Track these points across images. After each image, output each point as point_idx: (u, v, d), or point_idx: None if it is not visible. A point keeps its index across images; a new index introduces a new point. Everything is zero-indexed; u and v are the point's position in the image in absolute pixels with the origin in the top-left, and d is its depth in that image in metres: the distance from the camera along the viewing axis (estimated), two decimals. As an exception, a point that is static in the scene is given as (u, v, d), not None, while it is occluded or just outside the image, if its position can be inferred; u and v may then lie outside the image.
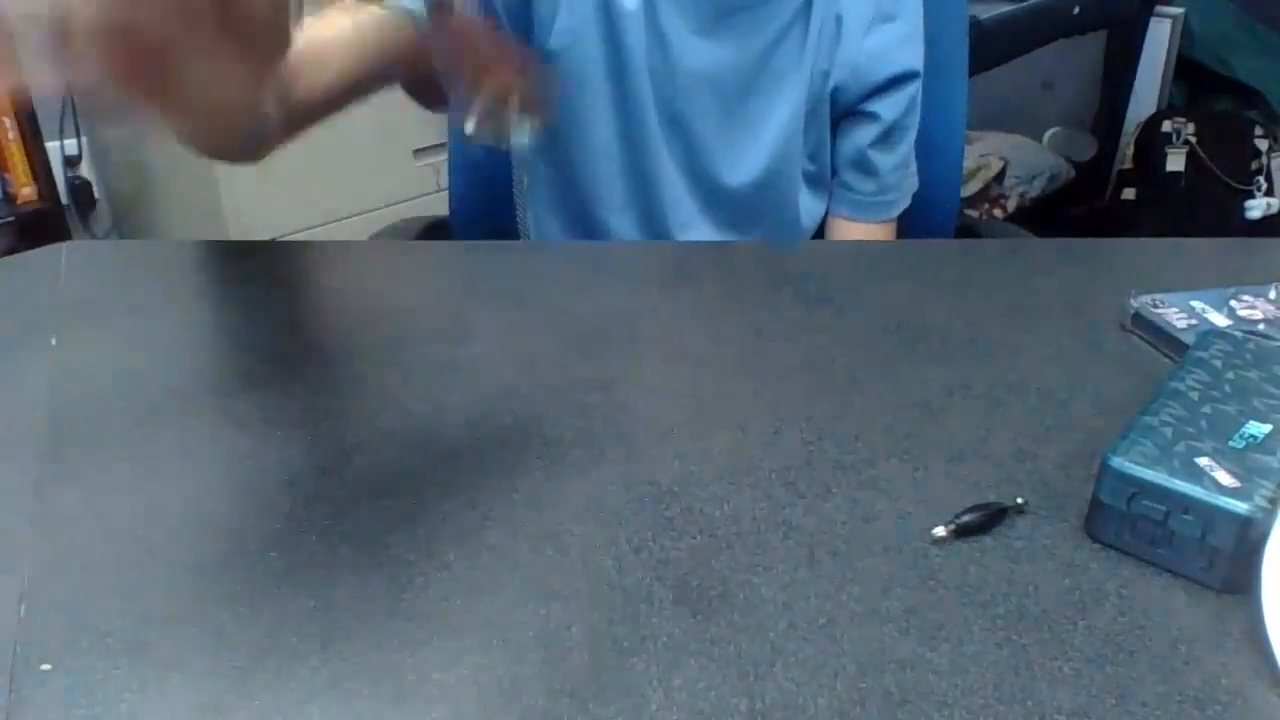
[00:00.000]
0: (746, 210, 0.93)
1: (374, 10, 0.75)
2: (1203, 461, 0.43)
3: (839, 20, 0.88)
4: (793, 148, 0.92)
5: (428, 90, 0.48)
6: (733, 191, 0.93)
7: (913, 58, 0.91)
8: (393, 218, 1.15)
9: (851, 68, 0.90)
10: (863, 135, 0.93)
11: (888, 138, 0.92)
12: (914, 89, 0.92)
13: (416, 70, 0.45)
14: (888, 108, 0.91)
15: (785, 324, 0.63)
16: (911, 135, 0.94)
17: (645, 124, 0.89)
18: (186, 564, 0.42)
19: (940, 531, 0.44)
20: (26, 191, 2.18)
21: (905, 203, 0.96)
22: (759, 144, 0.91)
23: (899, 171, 0.94)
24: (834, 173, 0.97)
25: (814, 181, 0.97)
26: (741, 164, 0.92)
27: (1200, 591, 0.42)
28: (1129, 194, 2.59)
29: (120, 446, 0.50)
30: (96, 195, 2.45)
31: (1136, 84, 2.57)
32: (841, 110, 0.93)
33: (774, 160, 0.92)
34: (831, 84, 0.91)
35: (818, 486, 0.48)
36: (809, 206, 0.96)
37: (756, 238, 0.94)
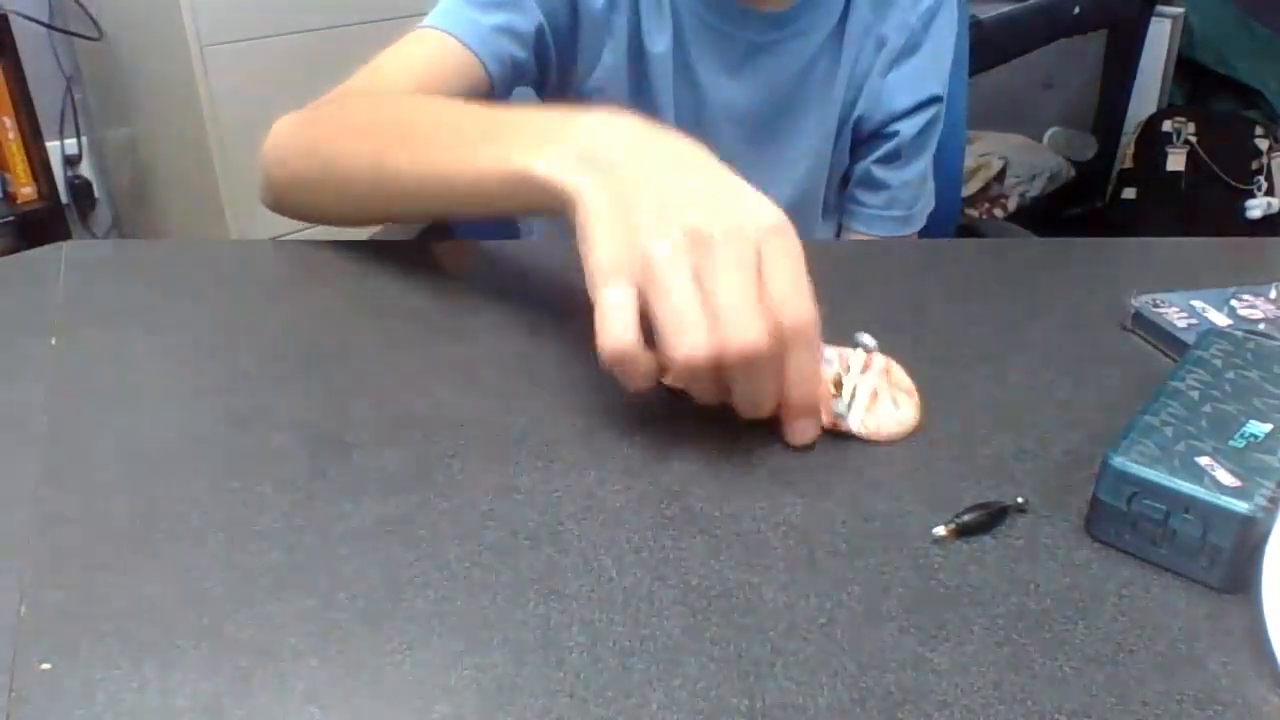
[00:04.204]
0: None
1: (447, 53, 0.76)
2: (1203, 461, 0.43)
3: (881, 43, 0.88)
4: (817, 178, 0.92)
5: None
6: None
7: (935, 84, 0.91)
8: (393, 218, 1.15)
9: (875, 98, 0.89)
10: (872, 152, 0.93)
11: (898, 155, 0.92)
12: (933, 111, 0.91)
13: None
14: (903, 126, 0.91)
15: (785, 324, 0.63)
16: (927, 155, 0.94)
17: None
18: (186, 564, 0.42)
19: (940, 531, 0.44)
20: (26, 191, 2.18)
21: (919, 222, 0.96)
22: (786, 177, 0.91)
23: (909, 187, 0.93)
24: (844, 188, 0.97)
25: (828, 209, 0.97)
26: (768, 196, 0.92)
27: (1200, 591, 0.42)
28: (1129, 194, 2.59)
29: (120, 446, 0.50)
30: (96, 195, 2.46)
31: (1136, 84, 2.57)
32: (861, 137, 0.93)
33: (799, 191, 0.92)
34: (856, 113, 0.90)
35: (818, 486, 0.48)
36: (820, 232, 0.96)
37: None
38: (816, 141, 0.90)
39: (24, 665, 0.37)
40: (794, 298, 0.46)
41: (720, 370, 0.46)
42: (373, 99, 0.70)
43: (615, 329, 0.45)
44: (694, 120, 0.88)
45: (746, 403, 0.48)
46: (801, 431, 0.49)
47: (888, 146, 0.91)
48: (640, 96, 0.86)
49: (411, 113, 0.65)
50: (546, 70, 0.85)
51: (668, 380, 0.49)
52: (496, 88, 0.80)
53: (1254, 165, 2.40)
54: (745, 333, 0.45)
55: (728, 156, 0.91)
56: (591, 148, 0.50)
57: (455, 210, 0.61)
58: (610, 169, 0.49)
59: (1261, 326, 0.61)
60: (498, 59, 0.79)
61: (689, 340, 0.44)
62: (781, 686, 0.37)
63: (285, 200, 0.73)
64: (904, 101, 0.90)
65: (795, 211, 0.92)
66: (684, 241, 0.46)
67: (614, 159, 0.49)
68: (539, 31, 0.81)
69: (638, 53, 0.85)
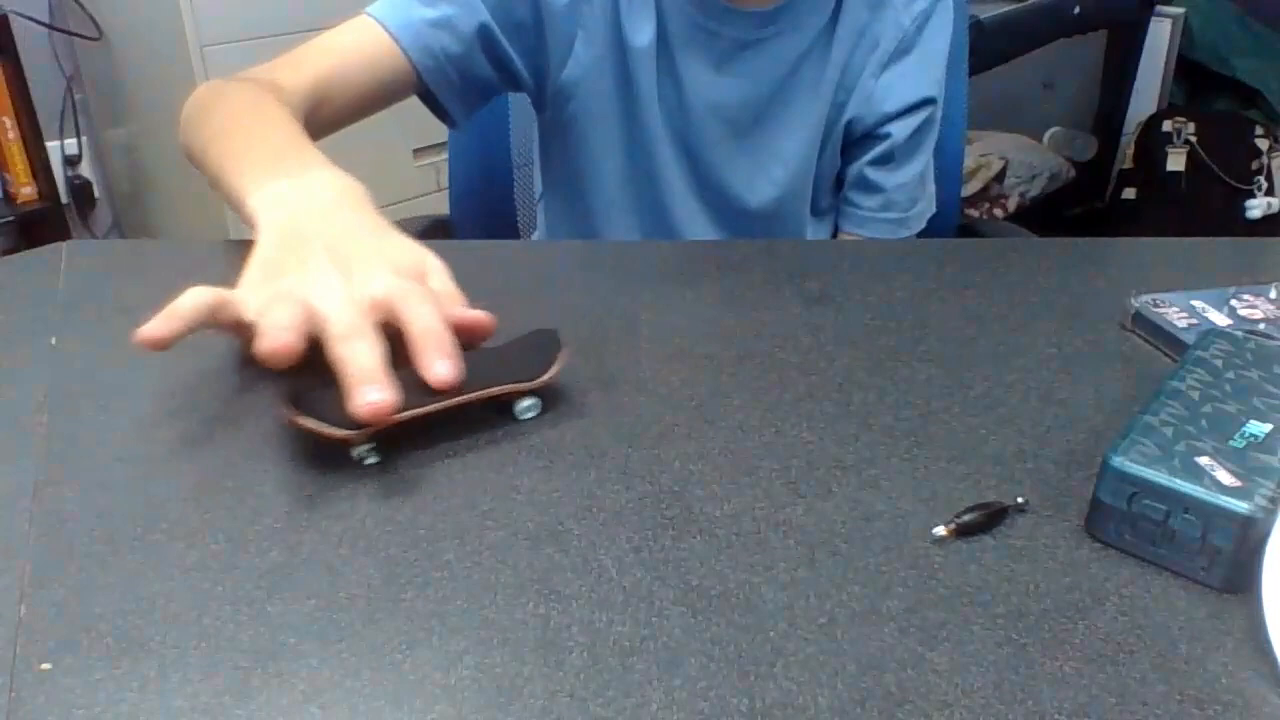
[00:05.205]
0: (760, 233, 0.93)
1: (374, 43, 0.78)
2: (1203, 461, 0.43)
3: (874, 44, 0.88)
4: (804, 176, 0.92)
5: None
6: (745, 216, 0.93)
7: (928, 85, 0.90)
8: (393, 218, 1.15)
9: (867, 99, 0.89)
10: (865, 153, 0.93)
11: (890, 157, 0.91)
12: (927, 114, 0.91)
13: None
14: (896, 129, 0.90)
15: (785, 324, 0.63)
16: (922, 157, 0.93)
17: (657, 155, 0.89)
18: (186, 564, 0.42)
19: (940, 531, 0.44)
20: (26, 191, 2.18)
21: (916, 226, 0.95)
22: (769, 174, 0.91)
23: (903, 190, 0.93)
24: (839, 189, 0.97)
25: (821, 211, 0.96)
26: (755, 191, 0.92)
27: (1200, 591, 0.42)
28: (1129, 194, 2.59)
29: (120, 446, 0.50)
30: (96, 195, 2.46)
31: (1136, 84, 2.57)
32: (854, 139, 0.92)
33: (784, 189, 0.92)
34: (847, 116, 0.90)
35: (818, 486, 0.48)
36: (814, 232, 0.96)
37: None
38: (803, 140, 0.90)
39: (24, 665, 0.37)
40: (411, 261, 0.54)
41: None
42: (244, 95, 0.74)
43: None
44: (678, 114, 0.88)
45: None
46: (443, 367, 0.49)
47: (880, 148, 0.91)
48: (623, 90, 0.87)
49: (250, 119, 0.70)
50: (508, 67, 0.85)
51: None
52: (425, 78, 0.82)
53: (1254, 165, 2.40)
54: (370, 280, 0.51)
55: (711, 150, 0.92)
56: (295, 207, 0.58)
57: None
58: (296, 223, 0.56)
59: (1261, 326, 0.61)
60: (426, 52, 0.81)
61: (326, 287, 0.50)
62: (781, 686, 0.37)
63: (189, 157, 0.78)
64: (896, 103, 0.89)
65: (780, 209, 0.93)
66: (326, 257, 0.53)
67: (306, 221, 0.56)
68: (483, 29, 0.82)
69: (618, 46, 0.85)
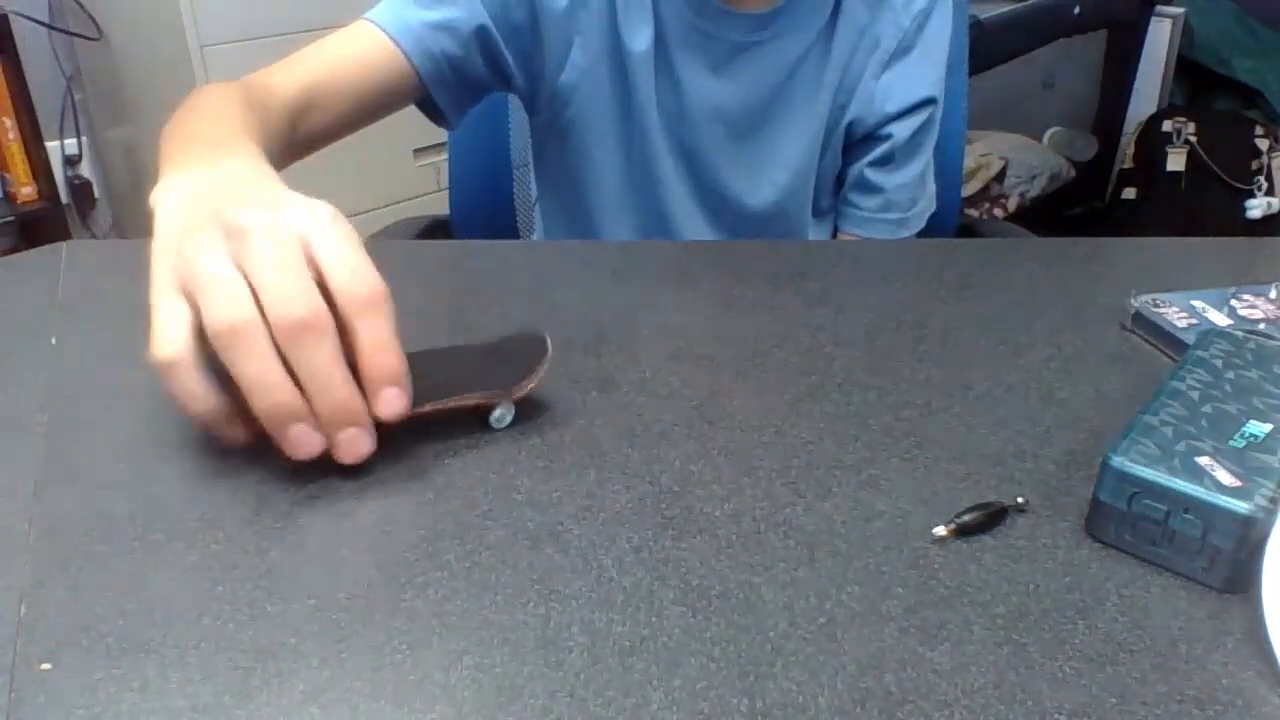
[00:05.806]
0: (761, 236, 0.93)
1: (373, 47, 0.78)
2: (1203, 461, 0.43)
3: (874, 45, 0.88)
4: (804, 178, 0.92)
5: None
6: (745, 219, 0.93)
7: (929, 85, 0.90)
8: (392, 218, 1.15)
9: (867, 100, 0.89)
10: (865, 154, 0.93)
11: (891, 158, 0.91)
12: (927, 114, 0.91)
13: None
14: (896, 129, 0.90)
15: (785, 324, 0.63)
16: (922, 156, 0.93)
17: (656, 158, 0.89)
18: (186, 563, 0.42)
19: (940, 531, 0.44)
20: (26, 191, 2.18)
21: (915, 226, 0.95)
22: (769, 177, 0.91)
23: (903, 191, 0.93)
24: (840, 190, 0.97)
25: (822, 211, 0.96)
26: (756, 194, 0.92)
27: (1200, 591, 0.42)
28: (1129, 194, 2.59)
29: (120, 446, 0.50)
30: (96, 195, 2.46)
31: (1136, 84, 2.57)
32: (854, 140, 0.92)
33: (785, 191, 0.92)
34: (848, 117, 0.90)
35: (818, 486, 0.48)
36: (814, 233, 0.96)
37: None
38: (803, 142, 0.90)
39: (24, 665, 0.37)
40: (353, 272, 0.45)
41: (281, 349, 0.43)
42: (218, 99, 0.69)
43: (163, 338, 0.44)
44: (676, 118, 0.88)
45: (316, 385, 0.44)
46: (388, 402, 0.46)
47: (881, 149, 0.91)
48: (620, 94, 0.87)
49: (204, 113, 0.66)
50: (502, 69, 0.85)
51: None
52: (426, 81, 0.82)
53: (1254, 165, 2.40)
54: (287, 300, 0.43)
55: (711, 154, 0.92)
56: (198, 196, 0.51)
57: None
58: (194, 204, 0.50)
59: (1261, 326, 0.61)
60: (426, 55, 0.81)
61: (225, 304, 0.43)
62: (781, 686, 0.37)
63: None
64: (896, 104, 0.89)
65: (781, 211, 0.93)
66: (219, 234, 0.45)
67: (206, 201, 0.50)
68: (481, 31, 0.82)
69: (616, 51, 0.85)
